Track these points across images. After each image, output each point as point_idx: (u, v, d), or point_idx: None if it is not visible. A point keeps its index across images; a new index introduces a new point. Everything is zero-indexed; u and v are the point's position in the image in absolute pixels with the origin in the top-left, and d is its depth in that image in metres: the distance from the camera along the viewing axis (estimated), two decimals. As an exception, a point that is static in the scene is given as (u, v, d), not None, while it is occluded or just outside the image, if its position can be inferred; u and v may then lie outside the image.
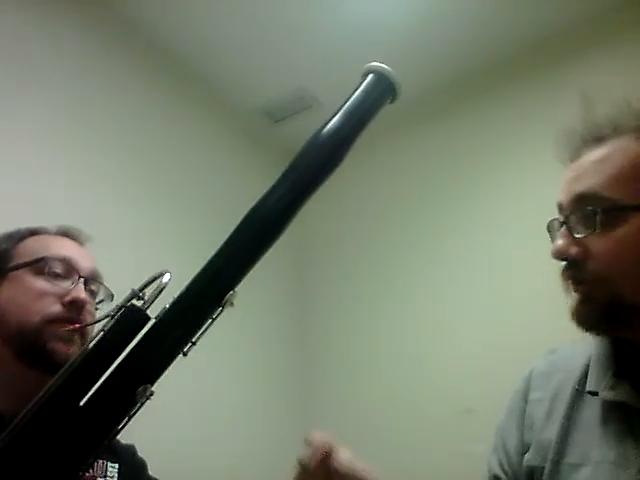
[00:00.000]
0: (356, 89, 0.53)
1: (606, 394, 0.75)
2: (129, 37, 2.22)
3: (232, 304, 0.47)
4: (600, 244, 0.73)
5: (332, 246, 2.73)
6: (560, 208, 0.79)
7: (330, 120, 0.51)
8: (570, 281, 0.77)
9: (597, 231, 0.73)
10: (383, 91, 0.54)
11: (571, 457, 0.76)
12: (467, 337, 2.19)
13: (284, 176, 0.49)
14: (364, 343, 2.47)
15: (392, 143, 2.54)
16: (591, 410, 0.77)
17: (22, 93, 1.81)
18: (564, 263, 0.77)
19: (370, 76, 0.54)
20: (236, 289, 0.47)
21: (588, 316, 0.75)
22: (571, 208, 0.77)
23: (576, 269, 0.75)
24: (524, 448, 0.83)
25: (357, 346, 2.49)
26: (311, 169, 0.50)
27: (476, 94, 2.44)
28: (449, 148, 2.47)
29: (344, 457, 0.75)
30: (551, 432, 0.79)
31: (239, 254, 0.48)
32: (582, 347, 0.84)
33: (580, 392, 0.79)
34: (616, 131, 0.78)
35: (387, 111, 0.55)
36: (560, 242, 0.76)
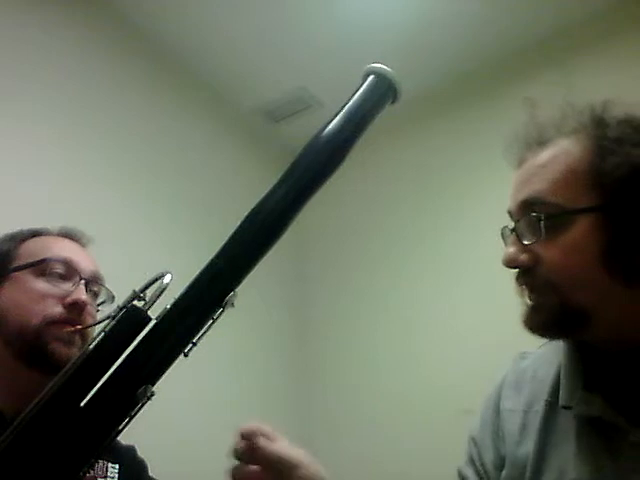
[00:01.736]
0: (357, 90, 0.53)
1: (579, 409, 0.73)
2: (129, 37, 2.22)
3: (233, 305, 0.47)
4: (548, 250, 0.72)
5: (332, 245, 2.73)
6: (510, 215, 0.79)
7: (331, 121, 0.51)
8: (523, 287, 0.76)
9: (543, 237, 0.72)
10: (384, 93, 0.54)
11: (548, 474, 0.74)
12: (467, 337, 2.19)
13: (285, 177, 0.49)
14: (364, 343, 2.47)
15: (391, 143, 2.54)
16: (566, 423, 0.75)
17: (22, 93, 1.81)
18: (516, 271, 0.76)
19: (371, 77, 0.54)
20: (236, 290, 0.47)
21: (538, 323, 0.74)
22: (519, 215, 0.76)
23: (528, 276, 0.75)
24: (501, 462, 0.80)
25: (357, 346, 2.49)
26: (312, 170, 0.50)
27: (476, 94, 2.44)
28: (449, 148, 2.47)
29: (277, 445, 0.75)
30: (527, 448, 0.77)
31: (240, 255, 0.48)
32: (551, 352, 0.83)
33: (553, 404, 0.77)
34: (559, 133, 0.77)
35: (387, 110, 0.55)
36: (510, 250, 0.76)
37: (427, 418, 2.18)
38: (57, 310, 0.86)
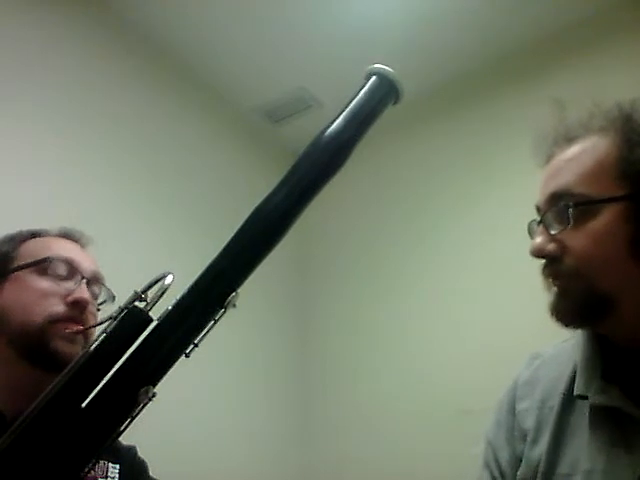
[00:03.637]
0: (359, 91, 0.53)
1: (596, 398, 0.73)
2: (129, 38, 2.22)
3: (234, 305, 0.47)
4: (575, 238, 0.73)
5: (333, 245, 2.73)
6: (538, 210, 0.80)
7: (334, 121, 0.51)
8: (550, 277, 0.77)
9: (571, 226, 0.73)
10: (386, 93, 0.54)
11: (562, 467, 0.74)
12: (466, 337, 2.19)
13: (287, 177, 0.49)
14: (364, 343, 2.47)
15: (392, 142, 2.54)
16: (581, 415, 0.75)
17: (22, 93, 1.81)
18: (544, 261, 0.77)
19: (373, 78, 0.54)
20: (238, 290, 0.47)
21: (565, 310, 0.75)
22: (547, 207, 0.77)
23: (555, 265, 0.75)
24: (517, 462, 0.81)
25: (357, 346, 2.49)
26: (314, 170, 0.50)
27: (476, 94, 2.44)
28: (450, 147, 2.47)
29: None
30: (542, 443, 0.77)
31: (241, 256, 0.48)
32: (566, 351, 0.83)
33: (569, 398, 0.78)
34: (586, 131, 0.78)
35: (388, 110, 0.55)
36: (537, 240, 0.77)
37: (427, 418, 2.17)
38: (60, 308, 0.86)
